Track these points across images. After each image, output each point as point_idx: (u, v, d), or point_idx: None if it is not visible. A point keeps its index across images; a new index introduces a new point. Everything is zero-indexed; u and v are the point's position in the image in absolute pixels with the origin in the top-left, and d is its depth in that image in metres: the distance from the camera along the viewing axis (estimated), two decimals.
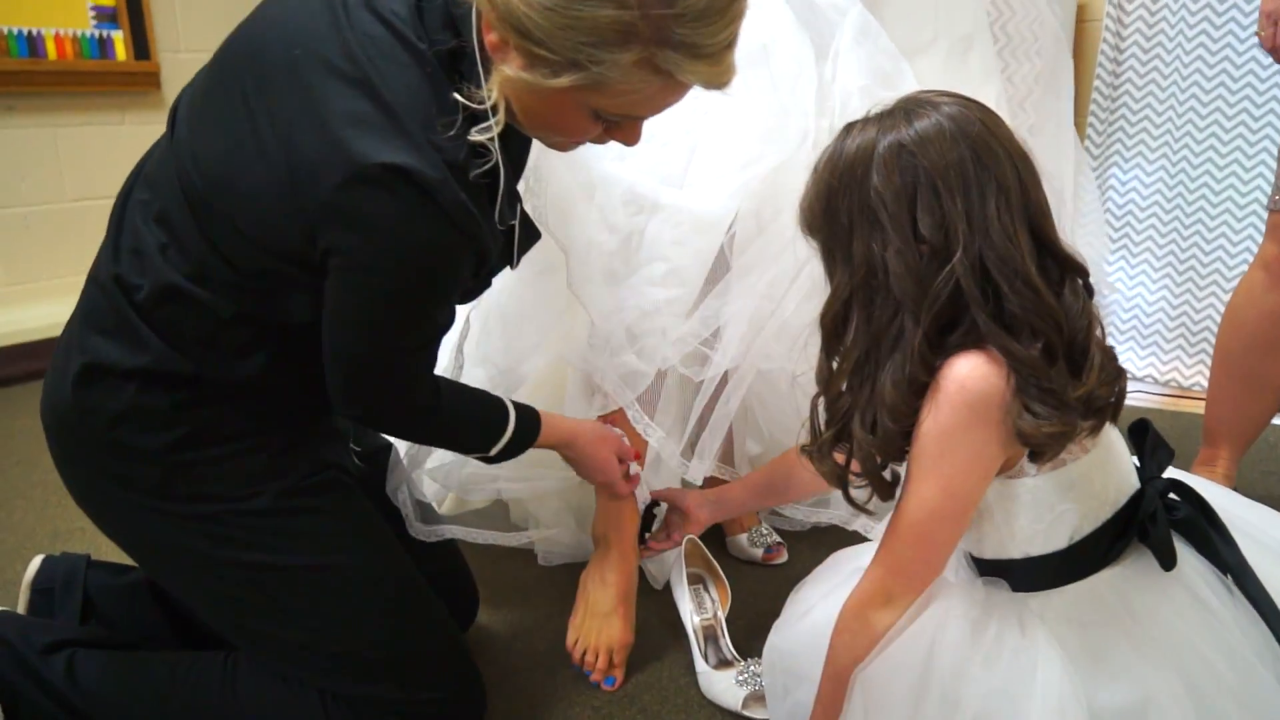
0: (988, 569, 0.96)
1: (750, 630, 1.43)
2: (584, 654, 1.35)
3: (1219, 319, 2.34)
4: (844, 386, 0.90)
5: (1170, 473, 0.94)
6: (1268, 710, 0.85)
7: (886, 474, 0.91)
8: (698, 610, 1.42)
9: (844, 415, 0.90)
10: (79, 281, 1.11)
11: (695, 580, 1.47)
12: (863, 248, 0.85)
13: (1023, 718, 0.84)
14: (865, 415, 0.88)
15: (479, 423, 1.19)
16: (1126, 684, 0.85)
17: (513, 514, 1.72)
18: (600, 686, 1.34)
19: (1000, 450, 0.85)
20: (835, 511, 1.51)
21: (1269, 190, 2.22)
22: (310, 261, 0.97)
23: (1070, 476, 0.87)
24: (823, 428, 0.93)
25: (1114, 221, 2.46)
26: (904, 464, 0.90)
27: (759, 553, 1.67)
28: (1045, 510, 0.88)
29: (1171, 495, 0.92)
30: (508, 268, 1.14)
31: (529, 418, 1.23)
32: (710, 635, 1.39)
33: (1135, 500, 0.90)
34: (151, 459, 1.05)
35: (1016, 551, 0.91)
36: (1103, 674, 0.85)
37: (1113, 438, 0.90)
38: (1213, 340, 2.36)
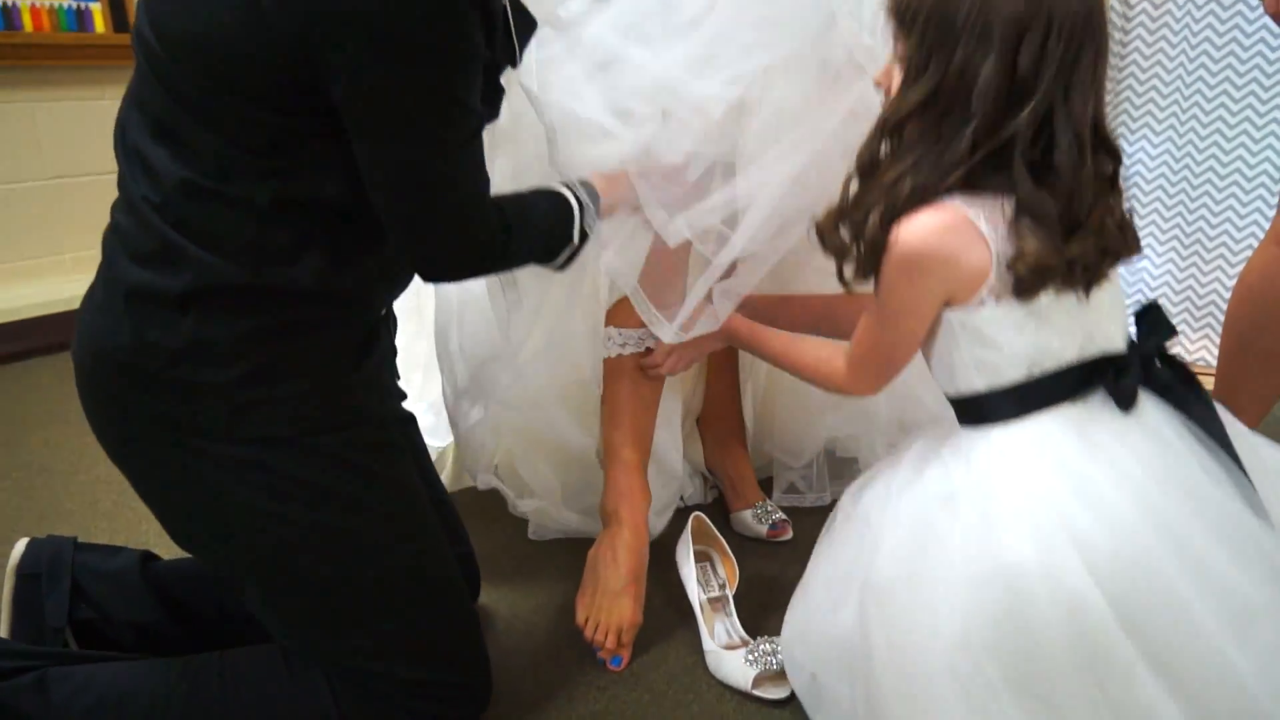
0: (963, 411, 1.02)
1: (758, 608, 1.41)
2: (594, 631, 1.32)
3: (1225, 292, 2.33)
4: (883, 181, 0.95)
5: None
6: (1240, 534, 0.90)
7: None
8: (705, 588, 1.39)
9: (867, 207, 0.96)
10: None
11: (702, 557, 1.44)
12: (964, 56, 0.90)
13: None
14: (886, 212, 0.94)
15: (553, 214, 1.14)
16: (1102, 508, 0.89)
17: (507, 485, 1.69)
18: (606, 666, 1.31)
19: (938, 298, 0.96)
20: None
21: (1278, 163, 2.20)
22: (313, 92, 0.92)
23: (1029, 308, 0.93)
24: (844, 208, 1.01)
25: None
26: None
27: (764, 529, 1.64)
28: (1004, 340, 0.95)
29: (1159, 365, 0.98)
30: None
31: (585, 185, 1.18)
32: (718, 613, 1.36)
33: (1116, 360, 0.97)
34: (219, 394, 1.00)
35: (981, 383, 0.98)
36: (1080, 488, 0.90)
37: (1105, 288, 0.97)
38: (1218, 314, 2.34)
